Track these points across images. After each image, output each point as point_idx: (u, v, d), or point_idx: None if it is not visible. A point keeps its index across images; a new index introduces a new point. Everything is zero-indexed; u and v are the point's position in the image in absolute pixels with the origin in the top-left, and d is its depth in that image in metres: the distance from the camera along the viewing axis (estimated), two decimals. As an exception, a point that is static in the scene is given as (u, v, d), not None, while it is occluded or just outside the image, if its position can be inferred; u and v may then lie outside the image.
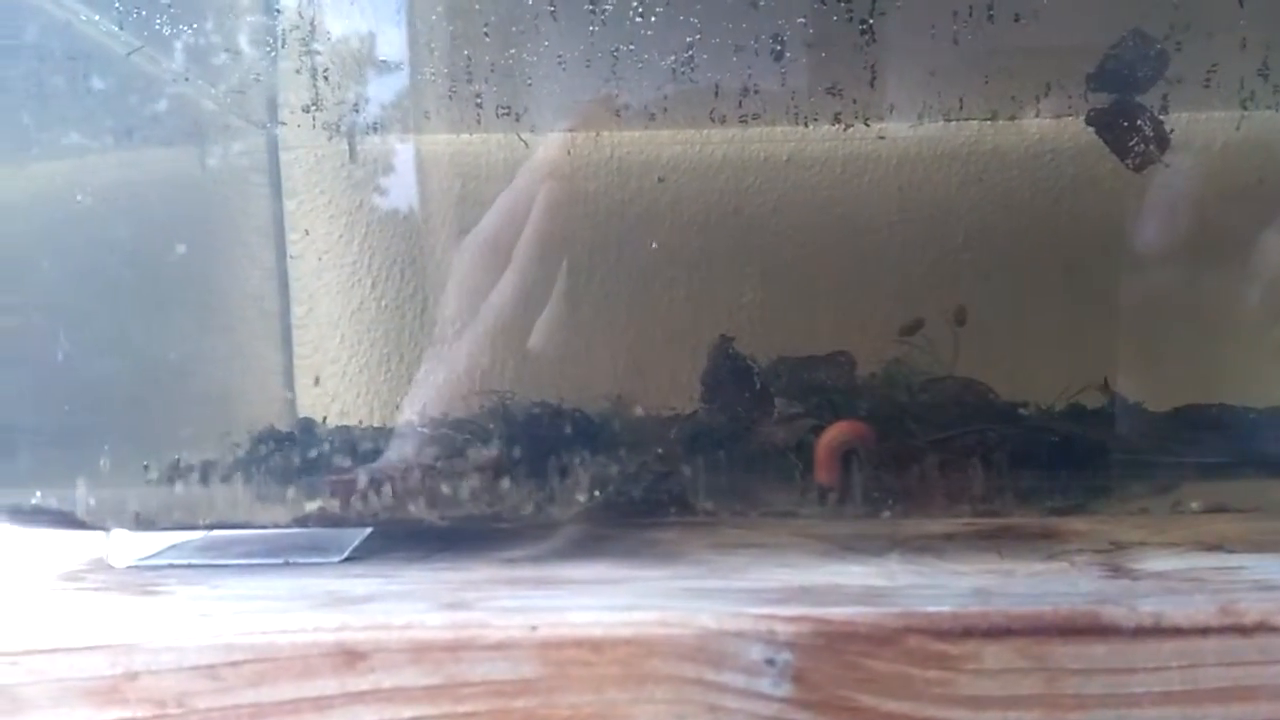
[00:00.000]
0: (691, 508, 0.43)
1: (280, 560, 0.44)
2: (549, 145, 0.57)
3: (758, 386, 0.58)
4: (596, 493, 0.43)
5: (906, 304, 0.58)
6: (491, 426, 0.50)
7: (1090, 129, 0.55)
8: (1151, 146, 0.54)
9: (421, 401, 0.54)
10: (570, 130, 0.57)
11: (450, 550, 0.45)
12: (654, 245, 0.60)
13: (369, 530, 0.46)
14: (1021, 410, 0.54)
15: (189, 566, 0.45)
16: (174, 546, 0.47)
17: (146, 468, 0.48)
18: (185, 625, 0.36)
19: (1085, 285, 0.59)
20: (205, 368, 0.60)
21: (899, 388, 0.58)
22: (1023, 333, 0.60)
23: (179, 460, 0.49)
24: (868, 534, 0.45)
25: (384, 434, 0.52)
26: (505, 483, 0.44)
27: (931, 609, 0.34)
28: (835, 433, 0.47)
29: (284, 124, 0.60)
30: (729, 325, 0.57)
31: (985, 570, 0.40)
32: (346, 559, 0.44)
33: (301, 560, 0.44)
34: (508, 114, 0.56)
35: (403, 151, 0.58)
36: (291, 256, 0.64)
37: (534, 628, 0.35)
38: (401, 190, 0.61)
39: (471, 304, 0.55)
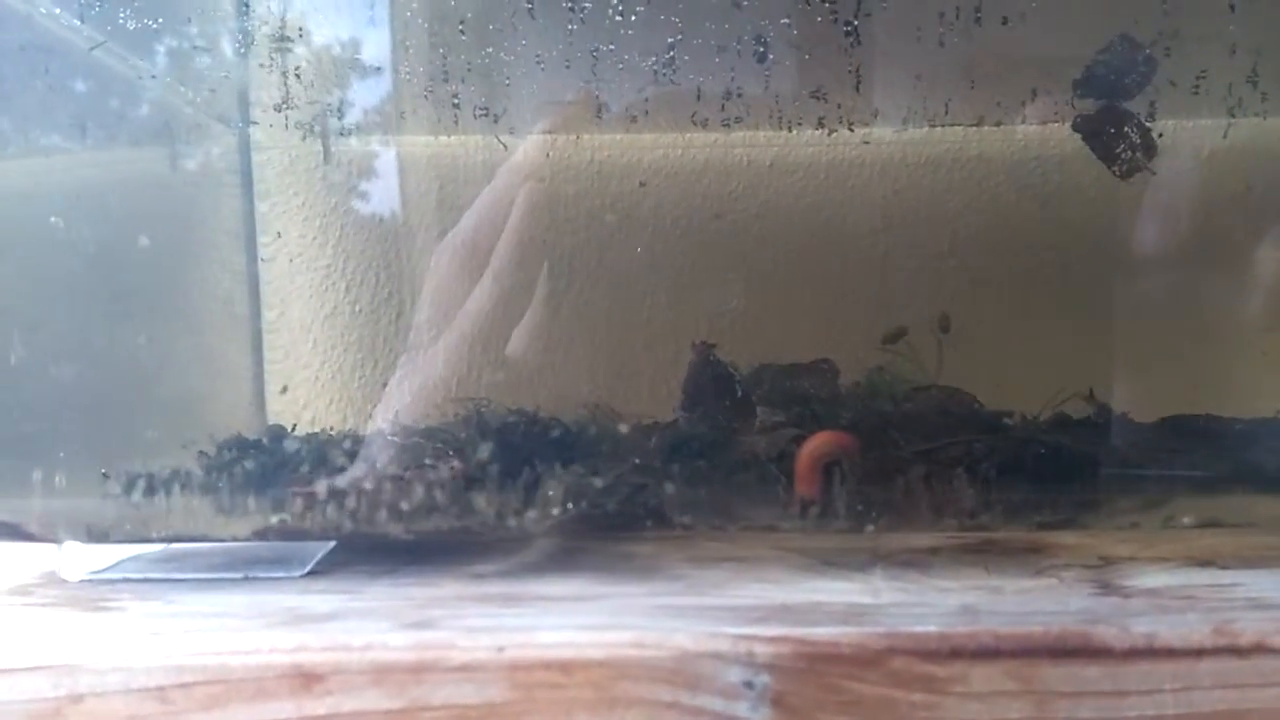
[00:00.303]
0: (669, 521, 0.41)
1: (240, 575, 0.42)
2: (528, 146, 0.55)
3: (739, 394, 0.57)
4: (570, 505, 0.41)
5: (890, 311, 0.57)
6: (464, 435, 0.49)
7: (1077, 135, 0.53)
8: (1138, 154, 0.53)
9: (395, 409, 0.53)
10: (549, 132, 0.56)
11: (417, 564, 0.43)
12: (638, 249, 0.59)
13: (333, 544, 0.44)
14: (1006, 420, 0.53)
15: (144, 580, 0.42)
16: (131, 559, 0.45)
17: (105, 476, 0.46)
18: (134, 645, 0.34)
19: (1070, 293, 0.58)
20: (171, 372, 0.58)
21: (883, 397, 0.56)
22: (1007, 341, 0.58)
23: (139, 469, 0.47)
24: (850, 548, 0.44)
25: (356, 442, 0.51)
26: (476, 494, 0.42)
27: (917, 629, 0.33)
28: (818, 443, 0.46)
29: (256, 123, 0.59)
30: (710, 332, 0.56)
31: (972, 586, 0.38)
32: (309, 573, 0.43)
33: (262, 575, 0.42)
34: (485, 115, 0.55)
35: (378, 153, 0.56)
36: (263, 259, 0.62)
37: (501, 649, 0.33)
38: (377, 193, 0.59)
39: (448, 309, 0.54)
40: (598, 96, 0.53)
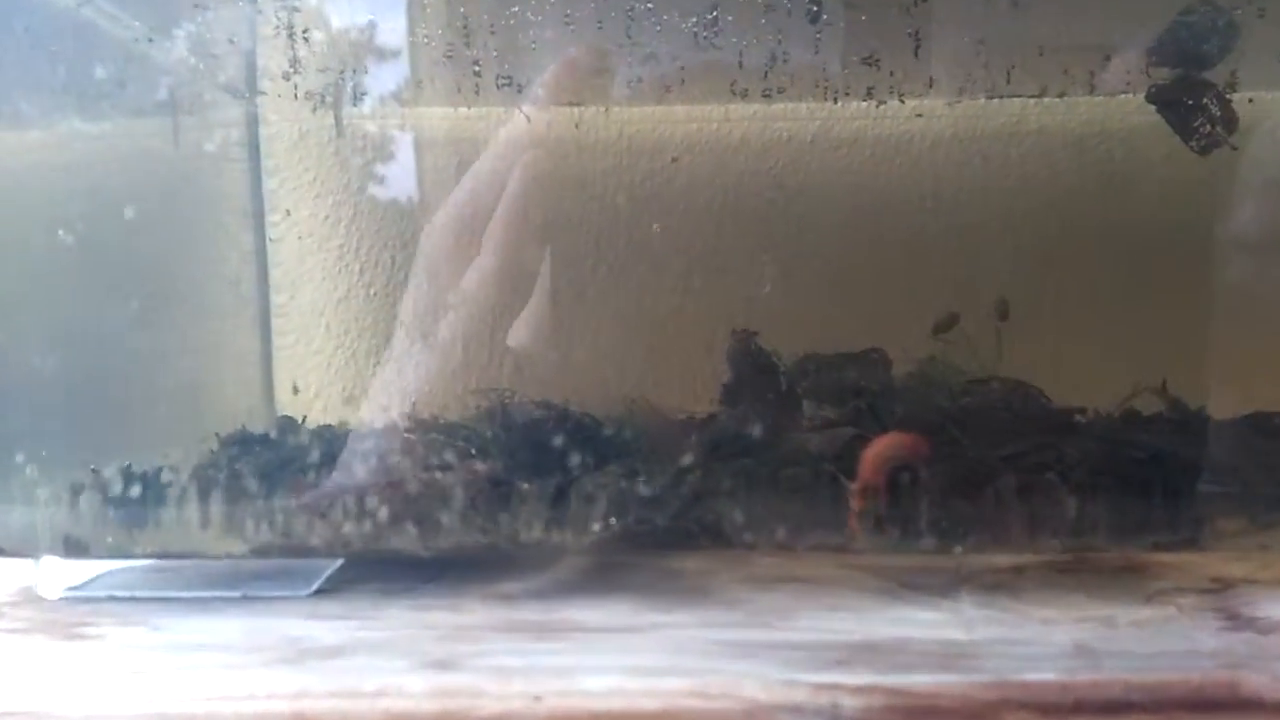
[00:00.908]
0: (727, 539, 0.35)
1: (238, 593, 0.37)
2: (528, 111, 0.49)
3: (783, 387, 0.51)
4: (614, 520, 0.35)
5: (943, 297, 0.51)
6: (489, 434, 0.43)
7: (1149, 107, 0.47)
8: (1218, 127, 0.48)
9: (382, 404, 0.47)
10: (549, 93, 0.50)
11: (438, 581, 0.38)
12: (657, 228, 0.53)
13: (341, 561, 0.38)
14: (1079, 417, 0.47)
15: (130, 599, 0.37)
16: (118, 570, 0.40)
17: (95, 472, 0.41)
18: (111, 687, 0.28)
19: (1135, 278, 0.52)
20: (172, 361, 0.53)
21: (939, 390, 0.51)
22: (1067, 330, 0.53)
23: (127, 469, 0.41)
24: (924, 567, 0.38)
25: (373, 435, 0.45)
26: (502, 503, 0.37)
27: (1031, 677, 0.27)
28: (884, 446, 0.40)
29: (264, 93, 0.53)
30: (748, 319, 0.50)
31: (1078, 617, 0.32)
32: (316, 592, 0.37)
33: (263, 594, 0.36)
34: (509, 84, 0.48)
35: (394, 126, 0.51)
36: (271, 239, 0.57)
37: (538, 698, 0.27)
38: (393, 168, 0.53)
39: (441, 294, 0.48)
40: (604, 54, 0.48)
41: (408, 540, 0.35)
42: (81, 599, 0.37)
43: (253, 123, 0.57)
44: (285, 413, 0.54)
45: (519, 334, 0.49)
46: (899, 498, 0.37)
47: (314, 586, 0.37)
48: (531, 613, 0.34)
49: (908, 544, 0.35)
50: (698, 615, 0.33)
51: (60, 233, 0.45)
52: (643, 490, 0.36)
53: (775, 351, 0.51)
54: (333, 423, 0.50)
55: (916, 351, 0.50)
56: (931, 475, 0.38)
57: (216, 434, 0.49)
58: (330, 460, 0.43)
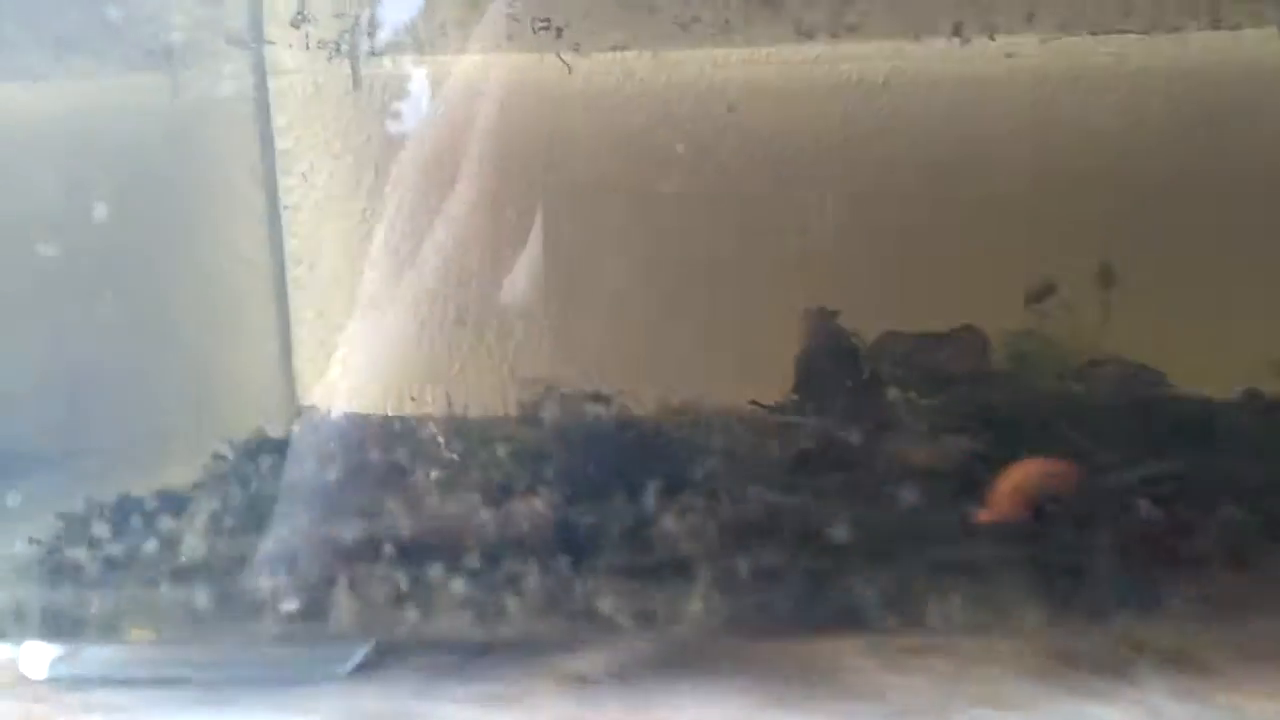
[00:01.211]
0: (864, 621, 0.27)
1: (264, 672, 0.29)
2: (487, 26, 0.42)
3: (865, 375, 0.44)
4: (718, 596, 0.27)
5: (1037, 263, 0.44)
6: (553, 451, 0.35)
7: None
8: None
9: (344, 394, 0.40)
10: None
11: (495, 653, 0.30)
12: (680, 148, 0.46)
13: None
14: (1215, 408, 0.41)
15: (126, 683, 0.29)
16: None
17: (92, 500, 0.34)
18: None
19: (1252, 236, 0.46)
20: (179, 347, 0.47)
21: (1044, 374, 0.44)
22: (1174, 297, 0.45)
23: (127, 497, 0.35)
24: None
25: (408, 425, 0.39)
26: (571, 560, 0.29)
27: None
28: (1025, 476, 0.32)
29: (272, 43, 0.48)
30: (813, 293, 0.44)
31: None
32: (354, 670, 0.29)
33: (290, 677, 0.29)
34: (546, 29, 0.42)
35: (417, 76, 0.45)
36: (286, 206, 0.51)
37: None
38: (418, 123, 0.46)
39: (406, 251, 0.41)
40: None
41: (456, 625, 0.27)
42: (69, 681, 0.30)
43: (262, 75, 0.51)
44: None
45: (513, 289, 0.43)
46: (1055, 548, 0.29)
47: (350, 664, 0.29)
48: (618, 709, 0.26)
49: (1090, 621, 0.27)
50: (830, 715, 0.25)
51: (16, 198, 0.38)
52: (746, 567, 0.28)
53: (855, 331, 0.44)
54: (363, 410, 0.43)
55: (1007, 325, 0.43)
56: (1084, 513, 0.30)
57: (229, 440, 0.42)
58: (362, 468, 0.36)
